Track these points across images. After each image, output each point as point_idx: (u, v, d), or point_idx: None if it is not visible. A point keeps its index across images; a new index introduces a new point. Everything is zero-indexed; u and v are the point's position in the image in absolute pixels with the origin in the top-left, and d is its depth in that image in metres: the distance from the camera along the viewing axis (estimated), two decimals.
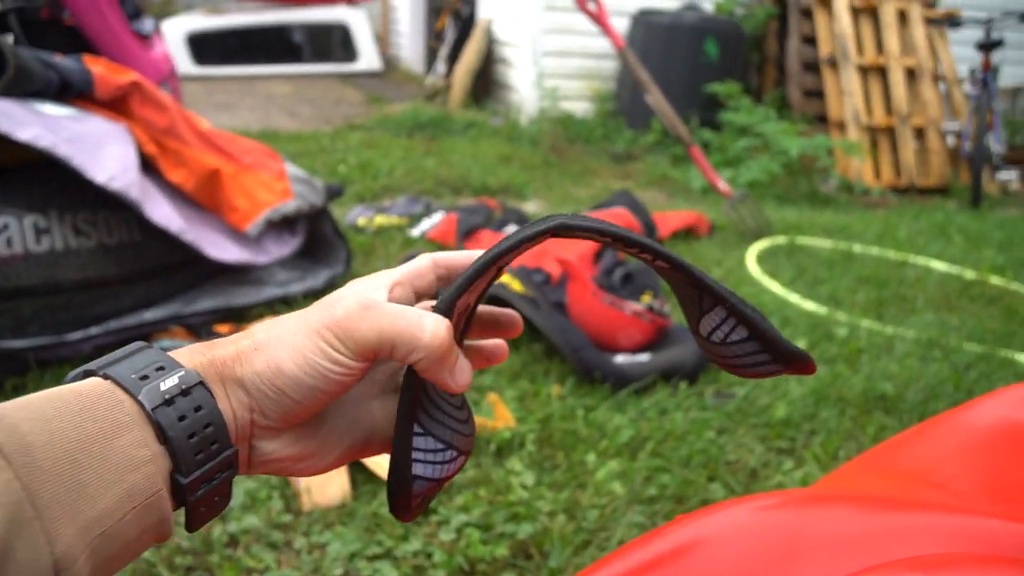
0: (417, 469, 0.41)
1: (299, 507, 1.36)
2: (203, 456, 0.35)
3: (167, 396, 0.34)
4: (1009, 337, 2.29)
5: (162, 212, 1.83)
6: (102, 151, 1.70)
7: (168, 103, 1.97)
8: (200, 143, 2.04)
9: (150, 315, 1.84)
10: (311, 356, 0.37)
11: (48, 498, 0.29)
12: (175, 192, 1.99)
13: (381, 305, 0.38)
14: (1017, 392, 0.81)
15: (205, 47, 6.52)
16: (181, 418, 0.34)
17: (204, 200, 2.05)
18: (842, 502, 0.62)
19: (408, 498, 0.42)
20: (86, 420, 0.32)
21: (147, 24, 3.74)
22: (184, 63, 6.17)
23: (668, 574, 0.54)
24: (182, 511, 0.36)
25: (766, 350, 0.40)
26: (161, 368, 0.35)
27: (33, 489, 0.29)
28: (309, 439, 0.40)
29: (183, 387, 0.35)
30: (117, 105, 1.86)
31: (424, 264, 0.43)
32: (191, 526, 0.36)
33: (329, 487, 1.37)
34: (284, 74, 6.82)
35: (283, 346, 0.37)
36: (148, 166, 1.91)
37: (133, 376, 0.34)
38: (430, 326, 0.37)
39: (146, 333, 1.78)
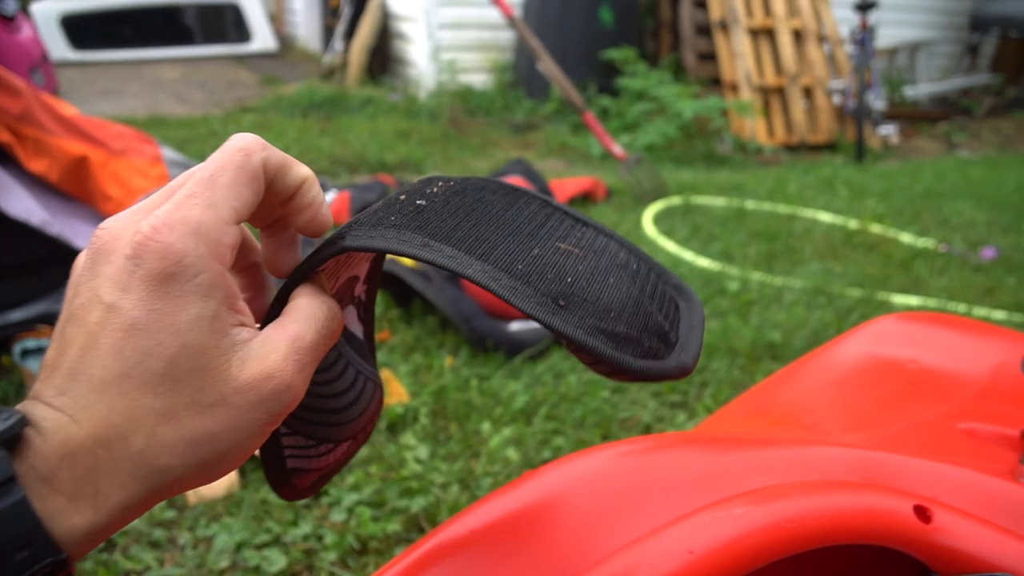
0: (293, 463, 0.40)
1: (184, 502, 1.30)
2: None
3: None
4: (886, 280, 2.40)
5: (21, 205, 1.72)
6: None
7: (22, 87, 1.83)
8: (63, 130, 1.91)
9: (16, 315, 1.73)
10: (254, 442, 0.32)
11: None
12: (38, 183, 1.86)
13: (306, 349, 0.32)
14: (873, 327, 0.84)
15: (83, 31, 6.14)
16: None
17: (72, 190, 1.93)
18: (689, 444, 0.62)
19: (290, 487, 0.40)
20: None
21: (9, 5, 3.50)
22: (59, 48, 5.81)
23: (507, 528, 0.54)
24: None
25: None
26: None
27: None
28: None
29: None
30: None
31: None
32: None
33: None
34: (174, 57, 6.50)
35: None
36: (4, 156, 1.78)
37: None
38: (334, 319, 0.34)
39: (11, 335, 1.67)
